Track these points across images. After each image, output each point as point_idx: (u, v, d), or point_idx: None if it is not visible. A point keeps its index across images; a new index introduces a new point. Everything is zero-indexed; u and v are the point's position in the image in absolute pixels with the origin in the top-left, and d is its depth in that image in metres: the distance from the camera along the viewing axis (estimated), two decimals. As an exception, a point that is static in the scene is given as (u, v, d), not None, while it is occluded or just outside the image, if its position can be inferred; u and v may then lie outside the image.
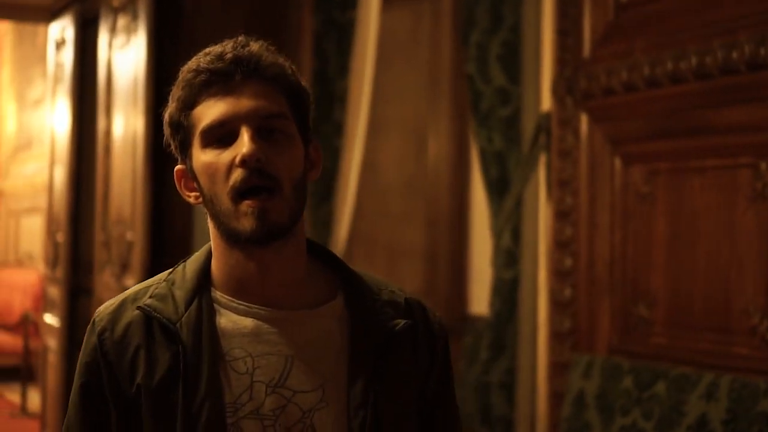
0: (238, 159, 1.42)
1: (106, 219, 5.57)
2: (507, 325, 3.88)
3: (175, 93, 1.50)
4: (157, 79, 5.35)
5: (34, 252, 8.99)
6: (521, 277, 3.85)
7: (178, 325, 1.45)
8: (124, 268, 5.32)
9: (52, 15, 6.25)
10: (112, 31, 5.57)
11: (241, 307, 1.49)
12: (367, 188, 5.67)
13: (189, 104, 1.47)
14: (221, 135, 1.45)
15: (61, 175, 6.04)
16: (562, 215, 3.55)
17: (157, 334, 1.46)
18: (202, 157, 1.47)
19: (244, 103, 1.44)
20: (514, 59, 3.90)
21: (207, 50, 1.49)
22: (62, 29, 6.13)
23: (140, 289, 1.54)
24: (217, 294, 1.50)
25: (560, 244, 3.55)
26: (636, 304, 3.24)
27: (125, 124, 5.38)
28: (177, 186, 1.55)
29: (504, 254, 3.91)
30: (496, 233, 3.94)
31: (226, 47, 1.47)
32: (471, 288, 5.84)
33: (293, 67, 1.51)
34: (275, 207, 1.42)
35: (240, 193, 1.42)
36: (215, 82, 1.45)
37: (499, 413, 3.85)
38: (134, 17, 5.27)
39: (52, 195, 6.23)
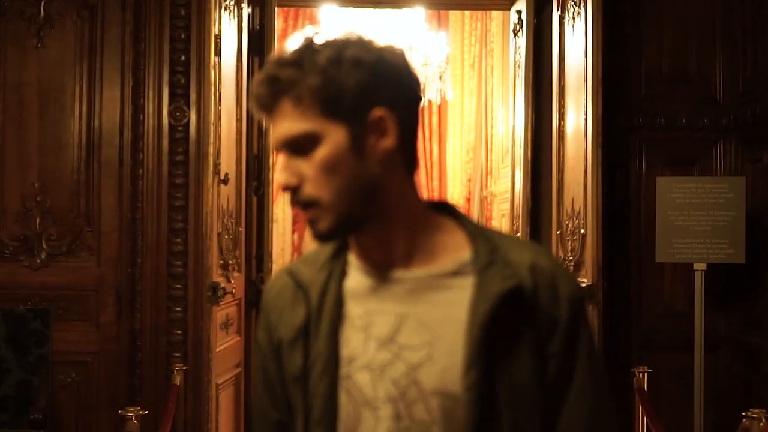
0: None
1: (561, 213, 5.05)
2: None
3: None
4: (608, 58, 4.75)
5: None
6: None
7: (309, 286, 1.57)
8: (577, 266, 4.77)
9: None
10: (563, 4, 5.06)
11: (365, 267, 1.56)
12: None
13: None
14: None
15: (520, 170, 5.65)
16: None
17: (297, 294, 1.59)
18: None
19: (276, 132, 1.50)
20: None
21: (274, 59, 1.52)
22: (518, 13, 5.74)
23: (304, 256, 1.67)
24: (353, 256, 1.59)
25: None
26: None
27: (575, 109, 4.83)
28: None
29: None
30: None
31: (266, 67, 1.51)
32: None
33: (318, 48, 1.47)
34: (319, 217, 1.49)
35: None
36: (260, 109, 1.52)
37: None
38: (581, -16, 4.72)
39: (513, 192, 5.85)
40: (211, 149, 4.43)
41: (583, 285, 4.55)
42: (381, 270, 1.53)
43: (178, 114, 4.89)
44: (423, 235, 1.53)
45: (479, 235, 1.54)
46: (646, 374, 4.31)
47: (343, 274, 1.56)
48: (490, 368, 1.45)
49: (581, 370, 1.50)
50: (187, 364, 4.71)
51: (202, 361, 4.43)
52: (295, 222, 21.68)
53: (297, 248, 24.39)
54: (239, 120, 4.99)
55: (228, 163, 4.77)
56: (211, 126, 4.45)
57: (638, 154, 5.10)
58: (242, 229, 5.08)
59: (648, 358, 4.91)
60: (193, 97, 4.85)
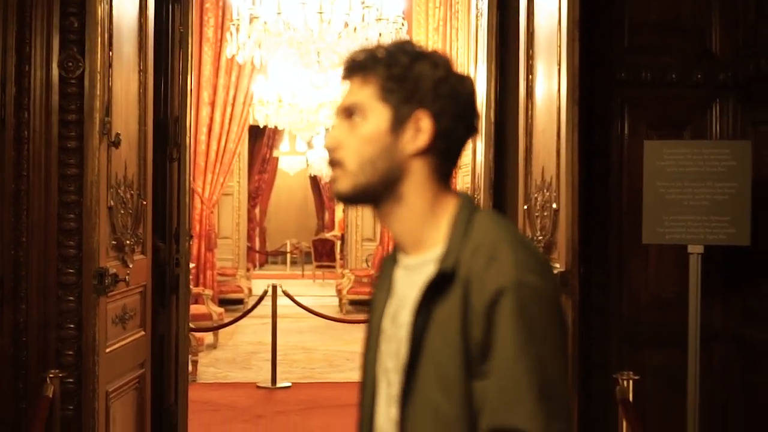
0: None
1: (529, 184, 4.27)
2: None
3: None
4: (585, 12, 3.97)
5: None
6: None
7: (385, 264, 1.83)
8: (548, 247, 3.99)
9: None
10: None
11: (397, 254, 1.78)
12: None
13: None
14: None
15: (482, 136, 4.85)
16: None
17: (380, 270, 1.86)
18: None
19: (341, 100, 1.74)
20: None
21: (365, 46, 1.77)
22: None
23: None
24: None
25: None
26: None
27: (547, 60, 4.04)
28: None
29: None
30: None
31: (356, 49, 1.74)
32: None
33: (400, 50, 1.68)
34: (339, 178, 1.69)
35: None
36: (343, 78, 1.74)
37: None
38: None
39: (474, 162, 5.06)
40: (97, 103, 3.59)
41: (556, 271, 3.78)
42: (400, 254, 1.74)
43: (69, 64, 4.03)
44: (429, 226, 1.69)
45: (460, 230, 1.65)
46: (631, 382, 3.53)
47: (396, 257, 1.76)
48: (421, 345, 1.62)
49: (502, 362, 1.54)
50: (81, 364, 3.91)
51: (86, 365, 3.60)
52: (255, 197, 20.73)
53: (259, 223, 23.37)
54: (143, 71, 4.14)
55: (126, 122, 3.93)
56: (98, 75, 3.60)
57: (620, 115, 4.30)
58: (146, 202, 4.23)
59: (631, 355, 4.16)
60: (89, 44, 3.99)
